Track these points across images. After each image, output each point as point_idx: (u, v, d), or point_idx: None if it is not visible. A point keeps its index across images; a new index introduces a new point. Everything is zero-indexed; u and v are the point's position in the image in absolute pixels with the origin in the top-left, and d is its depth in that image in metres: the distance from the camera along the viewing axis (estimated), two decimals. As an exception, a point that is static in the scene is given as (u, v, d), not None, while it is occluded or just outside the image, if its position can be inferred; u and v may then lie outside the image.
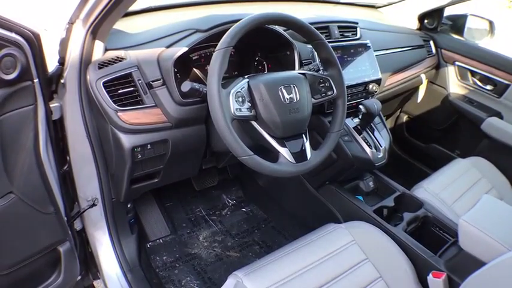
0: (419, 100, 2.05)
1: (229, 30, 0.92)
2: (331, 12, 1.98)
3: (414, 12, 2.01)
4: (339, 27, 1.45)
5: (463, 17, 1.94)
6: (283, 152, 0.97)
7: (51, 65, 0.99)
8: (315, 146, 1.06)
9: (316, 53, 1.24)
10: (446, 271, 1.03)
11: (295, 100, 1.00)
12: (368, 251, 1.09)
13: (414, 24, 2.04)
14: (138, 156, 1.09)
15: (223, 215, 1.85)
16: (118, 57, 1.04)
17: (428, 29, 2.01)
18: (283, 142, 0.99)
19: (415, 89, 2.00)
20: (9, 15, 0.83)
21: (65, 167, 1.14)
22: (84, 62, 1.01)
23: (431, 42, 1.97)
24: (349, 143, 1.35)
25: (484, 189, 1.56)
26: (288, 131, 0.99)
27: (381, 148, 1.39)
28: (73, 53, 0.99)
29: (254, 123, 0.98)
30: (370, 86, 1.43)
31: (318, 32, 1.06)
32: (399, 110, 2.26)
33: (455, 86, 1.98)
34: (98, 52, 1.04)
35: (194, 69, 1.20)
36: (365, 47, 1.46)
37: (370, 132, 1.42)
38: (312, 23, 1.09)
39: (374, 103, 1.29)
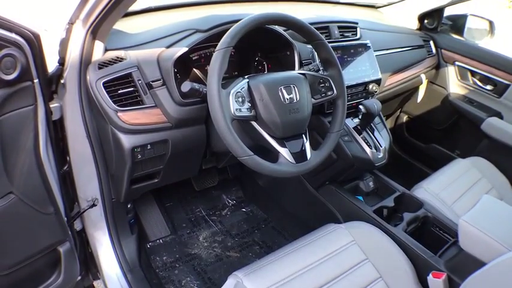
0: (419, 100, 2.05)
1: (229, 31, 0.92)
2: (331, 12, 1.98)
3: (414, 12, 2.01)
4: (339, 27, 1.45)
5: (463, 17, 1.94)
6: (283, 152, 0.97)
7: (51, 65, 0.99)
8: (315, 146, 1.06)
9: (316, 53, 1.24)
10: (446, 271, 1.03)
11: (295, 100, 1.00)
12: (368, 251, 1.09)
13: (414, 24, 2.04)
14: (138, 157, 1.09)
15: (223, 215, 1.85)
16: (118, 58, 1.04)
17: (428, 29, 2.01)
18: (283, 142, 0.99)
19: (415, 89, 2.00)
20: (9, 15, 0.83)
21: (65, 167, 1.14)
22: (84, 62, 1.01)
23: (431, 42, 1.97)
24: (349, 143, 1.35)
25: (484, 189, 1.56)
26: (288, 131, 0.99)
27: (380, 148, 1.39)
28: (73, 53, 0.99)
29: (254, 123, 0.98)
30: (370, 86, 1.43)
31: (318, 32, 1.06)
32: (399, 110, 2.26)
33: (455, 86, 1.98)
34: (98, 52, 1.04)
35: (194, 69, 1.20)
36: (365, 47, 1.46)
37: (370, 132, 1.42)
38: (312, 23, 1.09)
39: (374, 103, 1.29)
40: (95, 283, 1.41)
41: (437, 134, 2.12)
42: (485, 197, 1.05)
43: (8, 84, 0.84)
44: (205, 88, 0.97)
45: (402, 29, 1.95)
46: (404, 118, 2.27)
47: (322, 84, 1.09)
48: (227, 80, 1.04)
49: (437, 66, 2.00)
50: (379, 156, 1.37)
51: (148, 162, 1.15)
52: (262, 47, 1.31)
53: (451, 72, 1.98)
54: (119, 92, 1.01)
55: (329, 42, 1.11)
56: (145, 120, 1.05)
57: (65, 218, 1.12)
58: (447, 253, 1.14)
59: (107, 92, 1.00)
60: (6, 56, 0.81)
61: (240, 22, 0.93)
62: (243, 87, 0.96)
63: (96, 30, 0.99)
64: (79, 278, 1.25)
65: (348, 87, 1.28)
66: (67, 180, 1.17)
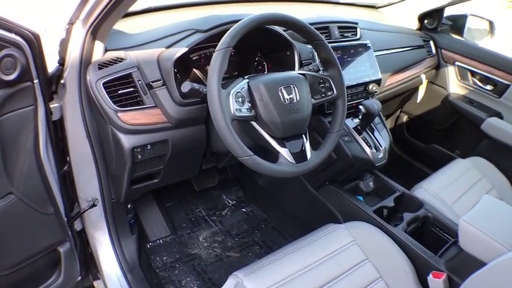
0: (419, 100, 2.05)
1: (229, 31, 0.92)
2: (331, 12, 1.98)
3: (414, 12, 2.01)
4: (339, 27, 1.45)
5: (463, 17, 1.94)
6: (283, 152, 0.97)
7: (51, 65, 0.99)
8: (315, 146, 1.06)
9: (316, 54, 1.24)
10: (446, 271, 1.03)
11: (295, 100, 1.00)
12: (368, 251, 1.09)
13: (414, 25, 2.04)
14: (138, 157, 1.09)
15: (223, 215, 1.85)
16: (118, 58, 1.04)
17: (428, 29, 2.01)
18: (283, 142, 0.99)
19: (415, 89, 2.00)
20: (9, 15, 0.83)
21: (65, 168, 1.14)
22: (84, 63, 1.01)
23: (431, 43, 1.97)
24: (349, 143, 1.35)
25: (484, 190, 1.56)
26: (288, 131, 0.99)
27: (381, 148, 1.39)
28: (73, 54, 0.99)
29: (254, 123, 0.98)
30: (370, 86, 1.43)
31: (318, 32, 1.06)
32: (399, 110, 2.26)
33: (455, 86, 1.98)
34: (98, 52, 1.04)
35: (194, 69, 1.20)
36: (365, 47, 1.46)
37: (370, 133, 1.42)
38: (312, 24, 1.08)
39: (374, 103, 1.29)
40: (95, 283, 1.41)
41: (438, 134, 2.12)
42: (486, 197, 1.05)
43: (8, 84, 0.84)
44: (205, 88, 0.97)
45: (402, 29, 1.95)
46: (405, 118, 2.27)
47: (322, 85, 1.09)
48: (227, 80, 1.04)
49: (437, 67, 2.00)
50: (379, 156, 1.37)
51: (148, 163, 1.15)
52: (262, 47, 1.31)
53: (451, 73, 1.98)
54: (119, 92, 1.01)
55: (329, 42, 1.11)
56: (145, 121, 1.05)
57: (65, 218, 1.12)
58: (447, 253, 1.14)
59: (107, 92, 1.00)
60: (6, 57, 0.81)
61: (239, 22, 0.93)
62: (243, 88, 0.96)
63: (96, 31, 0.99)
64: (79, 278, 1.25)
65: (348, 87, 1.28)
66: (67, 180, 1.17)
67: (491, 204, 1.04)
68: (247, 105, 0.95)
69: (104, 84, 0.99)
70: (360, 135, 1.37)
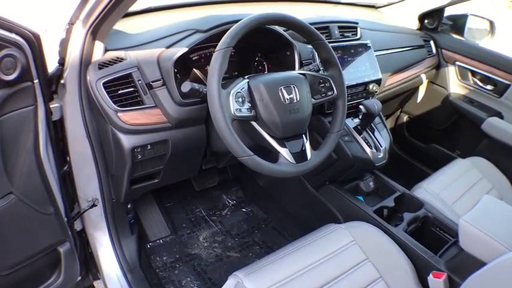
0: (419, 100, 2.05)
1: (229, 31, 0.92)
2: (331, 12, 1.98)
3: (414, 12, 2.01)
4: (339, 27, 1.45)
5: (463, 17, 1.94)
6: (283, 152, 0.97)
7: (51, 65, 0.99)
8: (315, 146, 1.06)
9: (316, 53, 1.23)
10: (446, 271, 1.03)
11: (295, 100, 1.00)
12: (368, 251, 1.09)
13: (414, 24, 2.03)
14: (138, 157, 1.09)
15: (223, 215, 1.85)
16: (118, 58, 1.04)
17: (428, 29, 2.01)
18: (283, 142, 0.99)
19: (415, 89, 2.00)
20: (9, 15, 0.83)
21: (65, 168, 1.14)
22: (84, 63, 1.01)
23: (432, 42, 1.97)
24: (349, 143, 1.34)
25: (484, 189, 1.56)
26: (288, 131, 0.99)
27: (381, 148, 1.39)
28: (73, 54, 0.99)
29: (254, 123, 0.98)
30: (370, 86, 1.43)
31: (318, 32, 1.06)
32: (399, 110, 2.26)
33: (455, 86, 1.98)
34: (98, 52, 1.04)
35: (194, 69, 1.20)
36: (365, 47, 1.46)
37: (370, 132, 1.42)
38: (312, 23, 1.08)
39: (374, 103, 1.29)
40: (95, 283, 1.41)
41: (438, 134, 2.12)
42: (486, 197, 1.05)
43: (8, 84, 0.84)
44: (205, 88, 0.97)
45: (402, 29, 1.95)
46: (405, 118, 2.27)
47: (322, 84, 1.09)
48: (227, 80, 1.04)
49: (438, 66, 2.00)
50: (379, 156, 1.37)
51: (149, 163, 1.15)
52: (262, 47, 1.31)
53: (451, 72, 1.98)
54: (119, 92, 1.01)
55: (329, 42, 1.10)
56: (145, 121, 1.05)
57: (65, 218, 1.12)
58: (447, 253, 1.14)
59: (107, 92, 1.00)
60: (6, 57, 0.81)
61: (240, 22, 0.93)
62: (243, 88, 0.96)
63: (96, 31, 0.99)
64: (79, 278, 1.25)
65: (348, 87, 1.28)
66: (67, 180, 1.17)
67: (492, 204, 1.03)
68: (247, 105, 0.95)
69: (104, 84, 0.99)
70: (360, 135, 1.37)
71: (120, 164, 1.12)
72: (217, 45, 0.91)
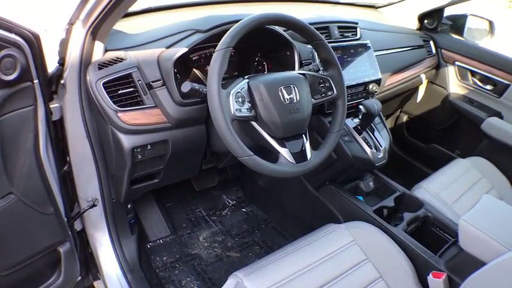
0: (419, 100, 2.05)
1: (229, 31, 0.92)
2: (331, 12, 1.98)
3: (414, 12, 2.01)
4: (339, 27, 1.45)
5: (463, 17, 1.95)
6: (283, 152, 0.97)
7: (51, 65, 0.99)
8: (315, 146, 1.06)
9: (316, 53, 1.24)
10: (446, 271, 1.03)
11: (295, 100, 1.00)
12: (368, 251, 1.09)
13: (414, 24, 2.04)
14: (138, 157, 1.09)
15: (223, 215, 1.85)
16: (118, 58, 1.04)
17: (428, 29, 2.01)
18: (283, 142, 0.99)
19: (415, 89, 2.00)
20: (9, 15, 0.83)
21: (65, 168, 1.14)
22: (84, 63, 1.01)
23: (431, 42, 1.97)
24: (349, 143, 1.35)
25: (484, 189, 1.56)
26: (288, 131, 0.99)
27: (381, 148, 1.39)
28: (73, 54, 0.99)
29: (254, 123, 0.98)
30: (370, 86, 1.43)
31: (317, 32, 1.06)
32: (399, 110, 2.27)
33: (455, 86, 1.98)
34: (98, 53, 1.04)
35: (194, 69, 1.21)
36: (365, 47, 1.46)
37: (370, 132, 1.42)
38: (311, 23, 1.08)
39: (374, 103, 1.29)
40: (95, 283, 1.41)
41: (437, 134, 2.12)
42: (485, 197, 1.05)
43: (8, 84, 0.84)
44: (205, 88, 0.97)
45: (402, 29, 1.95)
46: (404, 118, 2.27)
47: (322, 84, 1.09)
48: (227, 80, 1.04)
49: (437, 66, 2.00)
50: (379, 156, 1.37)
51: (149, 163, 1.15)
52: (262, 47, 1.31)
53: (451, 72, 1.98)
54: (119, 92, 1.01)
55: (329, 42, 1.11)
56: (145, 121, 1.05)
57: (65, 218, 1.12)
58: (447, 253, 1.14)
59: (107, 92, 1.00)
60: (6, 57, 0.81)
61: (239, 22, 0.93)
62: (243, 88, 0.96)
63: (96, 31, 0.99)
64: (79, 278, 1.25)
65: (348, 87, 1.28)
66: (67, 180, 1.17)
67: (491, 204, 1.04)
68: (247, 105, 0.95)
69: (104, 84, 0.99)
70: (360, 135, 1.37)
71: (120, 164, 1.12)
72: (217, 45, 0.91)
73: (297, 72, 1.09)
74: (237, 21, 0.94)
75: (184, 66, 1.17)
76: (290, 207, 1.74)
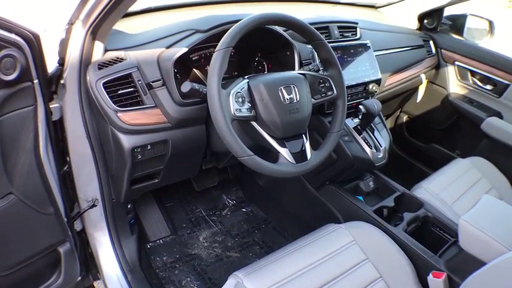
0: (419, 100, 2.05)
1: (229, 31, 0.92)
2: (331, 12, 1.98)
3: (414, 12, 2.01)
4: (339, 27, 1.45)
5: (463, 17, 1.95)
6: (283, 152, 0.97)
7: (51, 65, 0.99)
8: (315, 146, 1.06)
9: (316, 53, 1.24)
10: (446, 271, 1.03)
11: (295, 100, 1.00)
12: (368, 251, 1.09)
13: (414, 24, 2.04)
14: (138, 157, 1.09)
15: (223, 215, 1.85)
16: (118, 58, 1.04)
17: (428, 29, 2.01)
18: (283, 142, 0.99)
19: (415, 89, 2.00)
20: (9, 15, 0.83)
21: (65, 168, 1.14)
22: (84, 63, 1.01)
23: (431, 42, 1.97)
24: (349, 143, 1.35)
25: (484, 189, 1.56)
26: (288, 131, 0.99)
27: (381, 148, 1.39)
28: (73, 54, 0.99)
29: (254, 123, 0.98)
30: (370, 86, 1.43)
31: (317, 32, 1.06)
32: (399, 110, 2.27)
33: (455, 86, 1.98)
34: (98, 53, 1.04)
35: (194, 69, 1.21)
36: (365, 47, 1.46)
37: (370, 132, 1.42)
38: (311, 23, 1.08)
39: (374, 103, 1.29)
40: (95, 283, 1.41)
41: (437, 134, 2.12)
42: (485, 197, 1.05)
43: (7, 84, 0.84)
44: (205, 88, 0.97)
45: (402, 29, 1.95)
46: (404, 118, 2.27)
47: (322, 84, 1.09)
48: (227, 80, 1.04)
49: (437, 66, 2.00)
50: (379, 156, 1.37)
51: (149, 163, 1.15)
52: (262, 47, 1.31)
53: (451, 72, 1.98)
54: (119, 92, 1.01)
55: (329, 42, 1.11)
56: (145, 121, 1.05)
57: (65, 219, 1.12)
58: (447, 253, 1.14)
59: (107, 92, 1.00)
60: (6, 57, 0.81)
61: (239, 22, 0.93)
62: (243, 88, 0.96)
63: (96, 31, 0.99)
64: (79, 278, 1.25)
65: (348, 87, 1.28)
66: (67, 180, 1.17)
67: (491, 204, 1.04)
68: (247, 105, 0.95)
69: (103, 84, 0.99)
70: (360, 135, 1.37)
71: (120, 164, 1.12)
72: (217, 45, 0.91)
73: (297, 72, 1.09)
74: (236, 21, 0.94)
75: (184, 66, 1.17)
76: (290, 207, 1.74)
